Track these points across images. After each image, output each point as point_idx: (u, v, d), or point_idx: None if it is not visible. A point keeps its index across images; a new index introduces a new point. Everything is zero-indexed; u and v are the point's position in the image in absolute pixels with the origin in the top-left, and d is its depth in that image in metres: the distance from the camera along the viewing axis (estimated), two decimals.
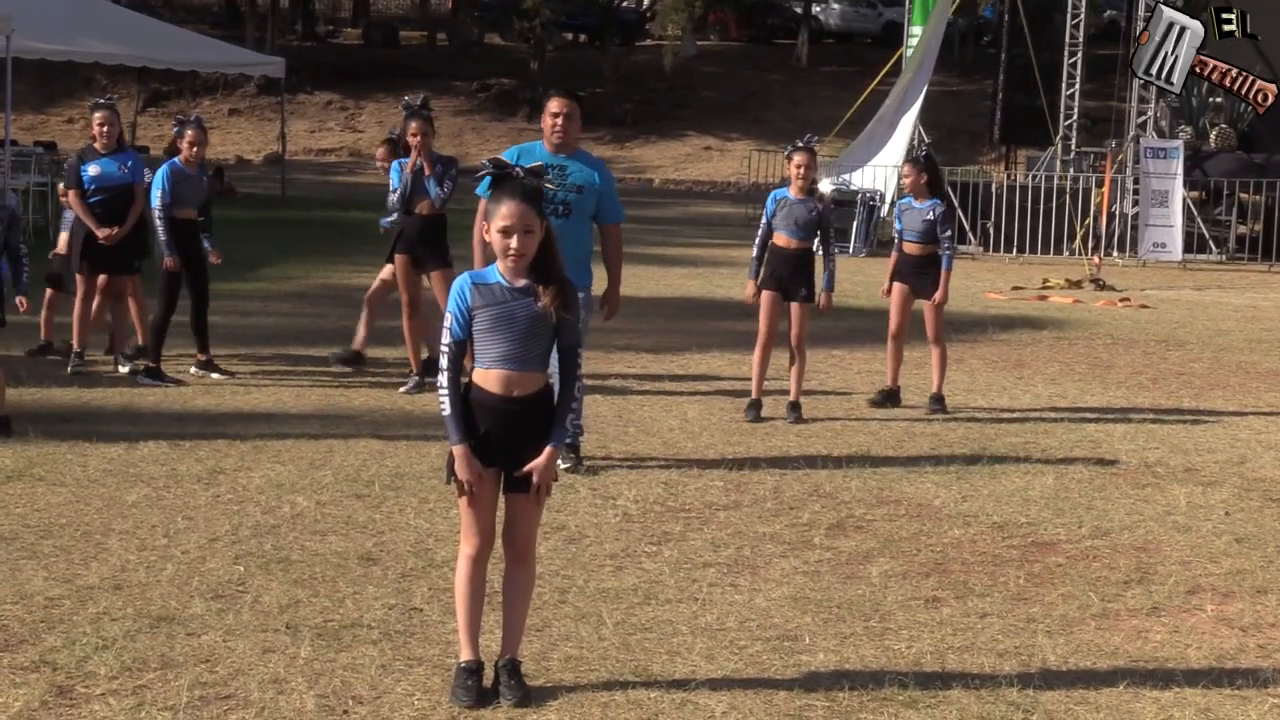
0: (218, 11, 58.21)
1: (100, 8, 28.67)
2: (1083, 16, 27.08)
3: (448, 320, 5.34)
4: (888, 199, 25.19)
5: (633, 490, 8.49)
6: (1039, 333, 15.93)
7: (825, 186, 24.86)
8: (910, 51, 28.70)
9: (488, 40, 53.94)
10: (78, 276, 11.74)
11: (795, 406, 10.76)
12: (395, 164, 11.49)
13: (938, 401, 11.23)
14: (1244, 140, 26.46)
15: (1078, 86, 27.42)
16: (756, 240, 10.86)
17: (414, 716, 5.24)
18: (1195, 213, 25.09)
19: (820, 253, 10.87)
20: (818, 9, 54.97)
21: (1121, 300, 19.24)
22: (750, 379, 10.89)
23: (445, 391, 5.29)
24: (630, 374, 12.40)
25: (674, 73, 48.68)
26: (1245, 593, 6.96)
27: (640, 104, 47.31)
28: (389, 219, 12.08)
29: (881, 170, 26.21)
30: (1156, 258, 24.52)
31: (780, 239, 10.74)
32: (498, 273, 5.32)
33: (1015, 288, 20.40)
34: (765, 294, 10.77)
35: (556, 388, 5.43)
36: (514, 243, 5.23)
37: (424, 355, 11.30)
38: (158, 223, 11.41)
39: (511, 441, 5.32)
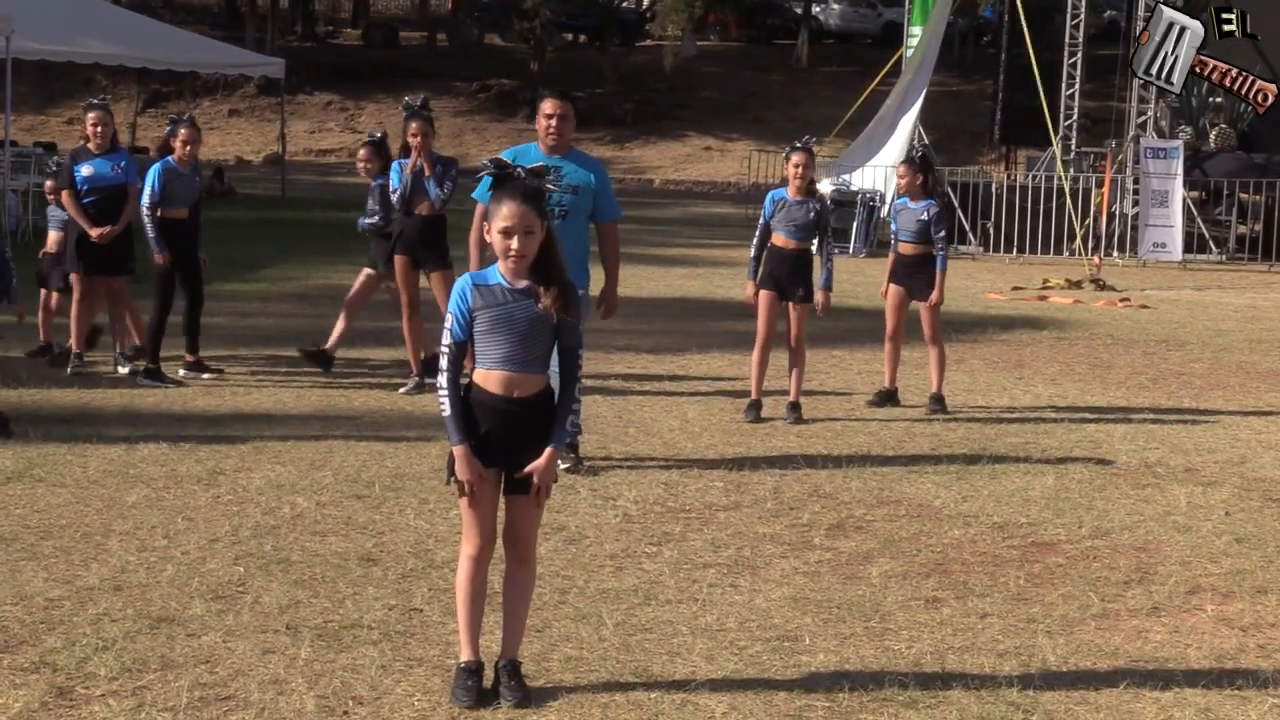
0: (218, 12, 58.21)
1: (100, 8, 28.70)
2: (1083, 17, 27.07)
3: (448, 321, 5.34)
4: (888, 199, 25.19)
5: (633, 491, 8.49)
6: (1039, 333, 15.93)
7: (825, 187, 24.89)
8: (910, 52, 28.70)
9: (488, 41, 53.94)
10: (74, 277, 11.73)
11: (795, 407, 10.76)
12: (395, 164, 11.48)
13: (938, 402, 11.23)
14: (1244, 140, 26.46)
15: (1078, 86, 27.42)
16: (755, 240, 10.86)
17: (414, 717, 5.24)
18: (1195, 213, 25.09)
19: (818, 253, 10.88)
20: (818, 9, 54.97)
21: (1121, 300, 19.24)
22: (750, 379, 10.89)
23: (445, 392, 5.29)
24: (630, 374, 12.40)
25: (674, 73, 48.69)
26: (1245, 593, 6.96)
27: (640, 104, 47.33)
28: (369, 220, 12.09)
29: (881, 170, 26.21)
30: (1156, 258, 24.53)
31: (778, 239, 10.74)
32: (499, 274, 5.32)
33: (1015, 288, 20.41)
34: (763, 294, 10.77)
35: (557, 389, 5.43)
36: (515, 243, 5.23)
37: (422, 355, 11.30)
38: (145, 220, 11.41)
39: (512, 442, 5.32)
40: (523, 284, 5.29)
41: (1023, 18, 26.72)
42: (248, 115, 47.09)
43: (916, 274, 11.30)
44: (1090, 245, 23.80)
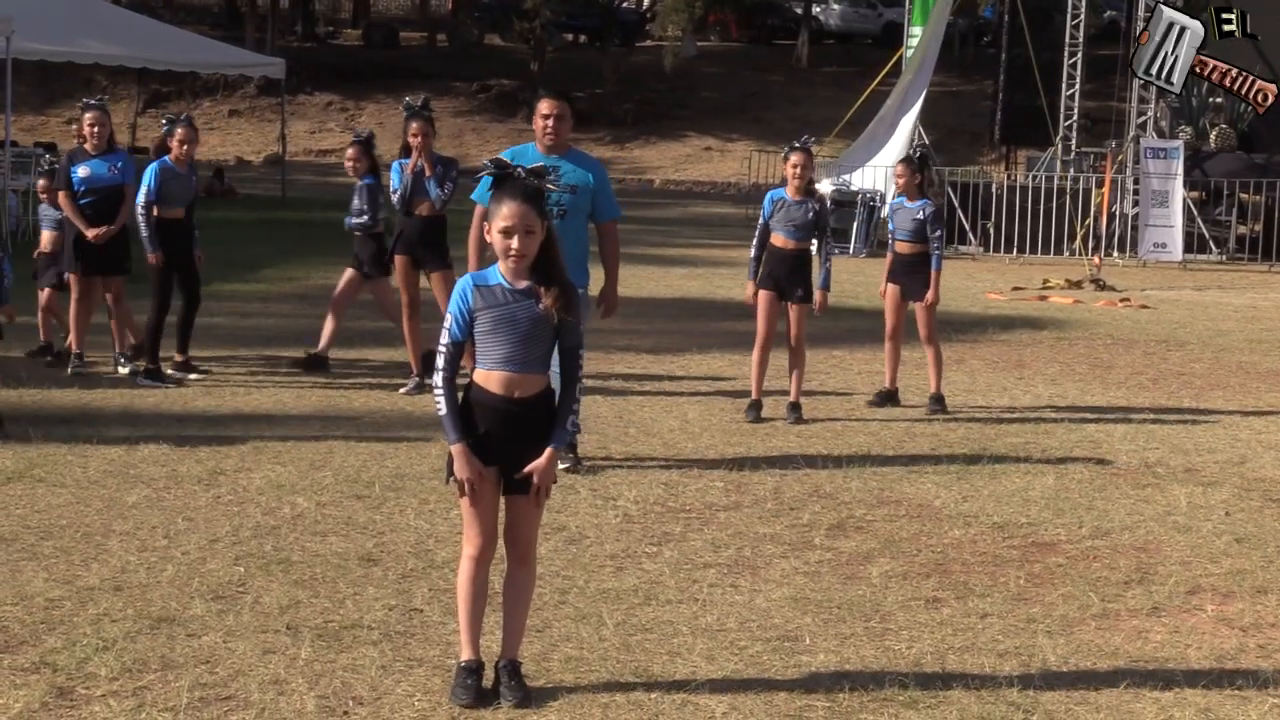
0: (218, 12, 58.20)
1: (100, 8, 28.70)
2: (1083, 17, 27.08)
3: (448, 321, 5.35)
4: (888, 199, 25.18)
5: (633, 491, 8.49)
6: (1039, 333, 15.93)
7: (825, 187, 24.88)
8: (910, 52, 28.71)
9: (488, 41, 53.93)
10: (73, 278, 11.72)
11: (795, 407, 10.76)
12: (395, 164, 11.48)
13: (938, 402, 11.23)
14: (1244, 140, 26.46)
15: (1078, 87, 27.42)
16: (754, 241, 10.87)
17: (414, 717, 5.24)
18: (1195, 213, 25.09)
19: (818, 253, 10.88)
20: (818, 9, 54.96)
21: (1122, 300, 19.24)
22: (750, 380, 10.89)
23: (440, 391, 5.30)
24: (630, 374, 12.40)
25: (674, 73, 48.69)
26: (1245, 593, 6.96)
27: (640, 105, 47.32)
28: (357, 220, 12.07)
29: (882, 170, 26.20)
30: (1156, 258, 24.53)
31: (777, 239, 10.75)
32: (499, 274, 5.32)
33: (1015, 288, 20.40)
34: (762, 294, 10.78)
35: (557, 389, 5.44)
36: (515, 243, 5.23)
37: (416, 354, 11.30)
38: (140, 220, 11.40)
39: (512, 442, 5.32)
40: (523, 284, 5.29)
41: (1023, 18, 26.77)
42: (248, 115, 47.09)
43: (913, 273, 11.30)
44: (1090, 245, 23.80)
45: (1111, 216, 24.41)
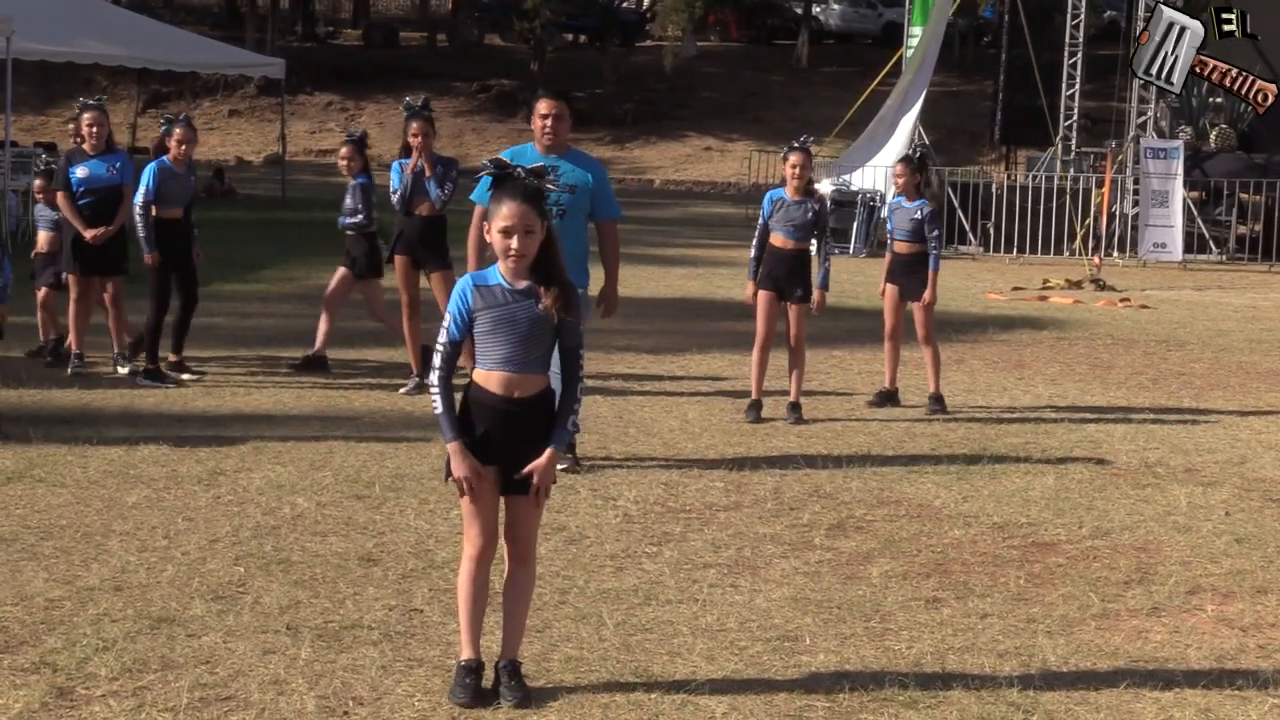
0: (218, 12, 58.21)
1: (100, 8, 28.70)
2: (1083, 17, 27.08)
3: (446, 320, 5.35)
4: (888, 199, 25.18)
5: (633, 491, 8.49)
6: (1039, 333, 15.93)
7: (825, 187, 24.87)
8: (910, 52, 28.71)
9: (488, 41, 53.94)
10: (71, 278, 11.72)
11: (795, 407, 10.76)
12: (395, 164, 11.48)
13: (937, 401, 11.24)
14: (1244, 140, 26.46)
15: (1078, 87, 27.42)
16: (754, 241, 10.87)
17: (414, 718, 5.24)
18: (1195, 213, 25.09)
19: (817, 253, 10.89)
20: (818, 10, 54.97)
21: (1122, 300, 19.24)
22: (750, 380, 10.89)
23: (436, 390, 5.32)
24: (630, 374, 12.40)
25: (674, 73, 48.69)
26: (1245, 593, 6.96)
27: (640, 105, 47.32)
28: (352, 219, 12.05)
29: (882, 170, 26.18)
30: (1156, 258, 24.53)
31: (777, 239, 10.75)
32: (499, 274, 5.32)
33: (1015, 288, 20.41)
34: (762, 294, 10.78)
35: (557, 389, 5.44)
36: (514, 243, 5.23)
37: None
38: (137, 219, 11.39)
39: (512, 443, 5.32)
40: (523, 284, 5.29)
41: (1023, 18, 26.77)
42: (248, 116, 47.10)
43: (911, 273, 11.31)
44: (1090, 245, 23.80)
45: (1111, 216, 24.41)
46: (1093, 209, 24.59)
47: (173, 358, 11.72)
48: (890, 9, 50.87)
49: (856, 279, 19.31)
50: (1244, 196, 25.72)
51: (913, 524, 7.99)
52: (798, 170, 10.68)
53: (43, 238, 12.55)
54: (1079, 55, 27.19)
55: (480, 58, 50.79)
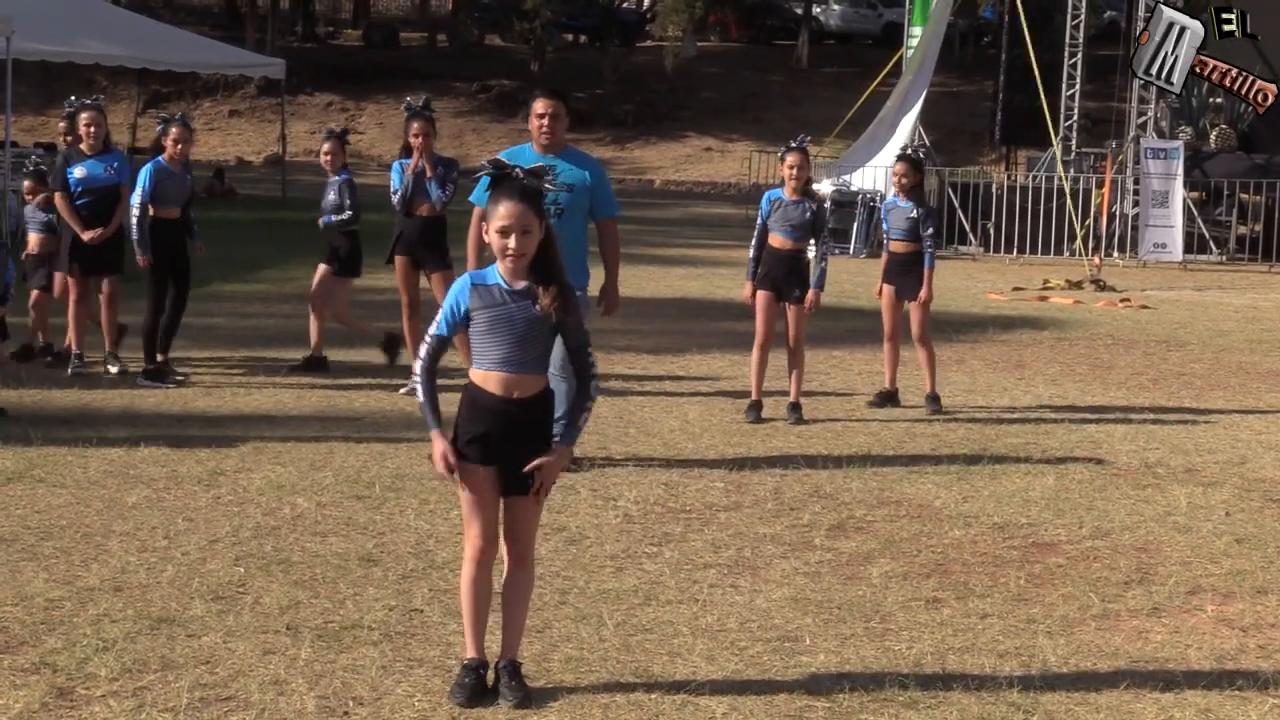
0: (218, 13, 58.20)
1: (100, 8, 28.71)
2: (1083, 17, 27.07)
3: (439, 315, 5.38)
4: (888, 199, 25.18)
5: (633, 491, 8.49)
6: (1040, 333, 15.93)
7: (826, 187, 24.88)
8: (910, 52, 28.70)
9: (488, 41, 53.94)
10: (69, 279, 11.71)
11: (795, 407, 10.76)
12: (396, 164, 11.48)
13: (933, 401, 11.24)
14: (1244, 140, 26.47)
15: (1078, 87, 27.41)
16: (753, 241, 10.87)
17: (414, 718, 5.24)
18: (1195, 213, 25.10)
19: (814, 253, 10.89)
20: (818, 10, 54.97)
21: (1122, 301, 19.24)
22: (750, 380, 10.89)
23: (419, 380, 5.37)
24: (631, 375, 12.40)
25: (674, 74, 48.69)
26: (1246, 593, 6.96)
27: (640, 105, 47.33)
28: (338, 216, 12.03)
29: (882, 171, 26.18)
30: (1157, 258, 24.53)
31: (775, 240, 10.74)
32: (497, 274, 5.33)
33: (1016, 288, 20.41)
34: (760, 294, 10.78)
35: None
36: (512, 243, 5.23)
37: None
38: (133, 220, 11.37)
39: (511, 443, 5.32)
40: (521, 284, 5.30)
41: (1023, 18, 26.72)
42: (248, 116, 47.10)
43: (908, 273, 11.31)
44: (1090, 246, 23.80)
45: (1111, 217, 24.41)
46: (1093, 209, 24.60)
47: (159, 357, 11.68)
48: (890, 9, 50.87)
49: (856, 279, 19.31)
50: (1244, 197, 25.73)
51: (913, 524, 7.99)
52: (795, 170, 10.68)
53: (33, 239, 12.51)
54: (1079, 55, 27.18)
55: (480, 58, 50.79)
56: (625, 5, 56.68)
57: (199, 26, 48.62)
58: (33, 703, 5.23)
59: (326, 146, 12.35)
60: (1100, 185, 24.39)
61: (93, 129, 11.60)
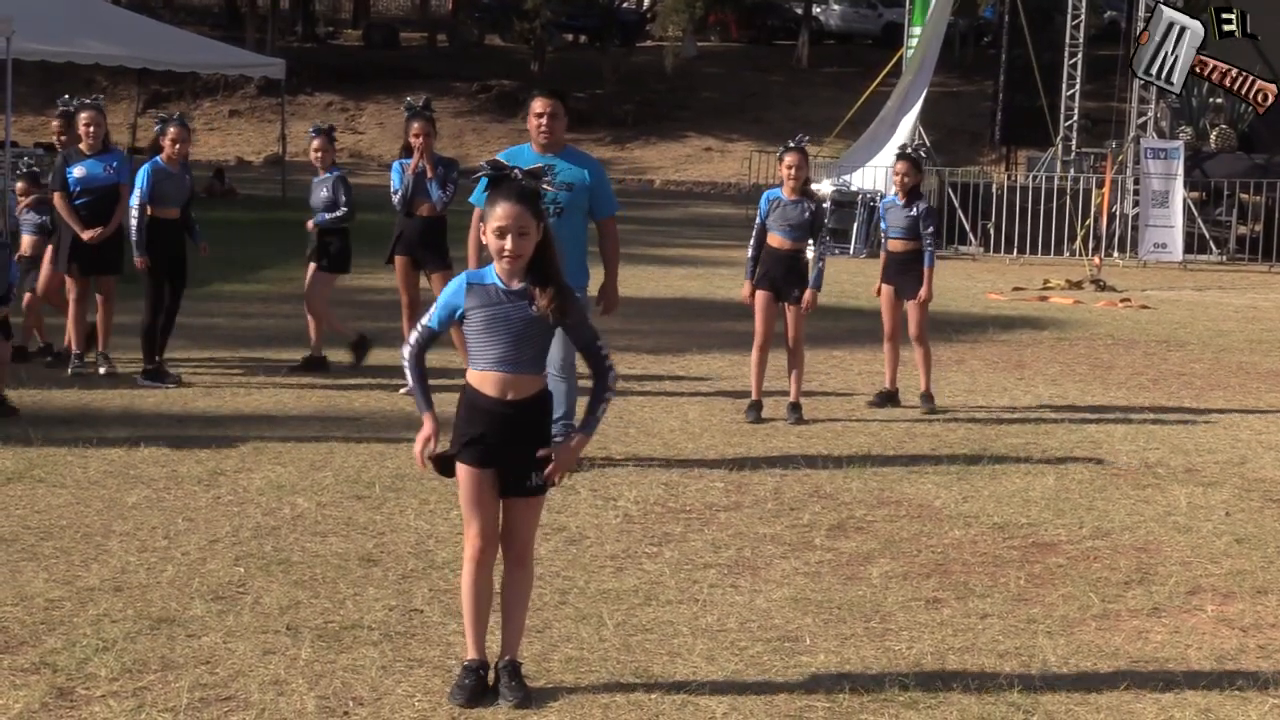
0: (218, 13, 58.21)
1: (100, 8, 28.71)
2: (1083, 17, 27.08)
3: (433, 307, 5.41)
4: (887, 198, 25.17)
5: (633, 491, 8.49)
6: (1040, 333, 15.93)
7: (826, 187, 24.88)
8: (910, 52, 28.70)
9: (488, 41, 53.94)
10: (69, 279, 11.71)
11: (795, 407, 10.75)
12: (396, 164, 11.48)
13: (927, 399, 11.24)
14: (1244, 141, 26.47)
15: (1078, 87, 27.42)
16: (752, 241, 10.87)
17: (414, 718, 5.24)
18: (1195, 213, 25.10)
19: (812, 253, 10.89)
20: (818, 10, 54.97)
21: (1122, 301, 19.24)
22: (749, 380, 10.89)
23: (407, 365, 5.43)
24: (631, 375, 12.38)
25: (674, 74, 48.69)
26: (1246, 593, 6.96)
27: (641, 105, 47.32)
28: (333, 214, 12.01)
29: (882, 171, 26.18)
30: (1157, 258, 24.53)
31: (774, 239, 10.74)
32: (495, 274, 5.33)
33: (1016, 288, 20.40)
34: (759, 294, 10.77)
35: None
36: (508, 244, 5.23)
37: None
38: (132, 220, 11.36)
39: (509, 445, 5.32)
40: (518, 285, 5.30)
41: (1023, 18, 26.75)
42: (248, 116, 47.09)
43: (906, 272, 11.30)
44: (1090, 246, 23.80)
45: (1112, 217, 24.41)
46: (1093, 209, 24.60)
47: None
48: (890, 9, 50.87)
49: (856, 279, 19.30)
50: (1244, 197, 25.73)
51: (913, 524, 7.99)
52: (793, 170, 10.68)
53: (26, 241, 12.49)
54: (1079, 55, 27.19)
55: (480, 58, 50.79)
56: (625, 5, 56.68)
57: (199, 26, 48.63)
58: (33, 703, 5.23)
59: (316, 143, 12.30)
60: (1100, 185, 24.38)
61: (92, 129, 11.58)
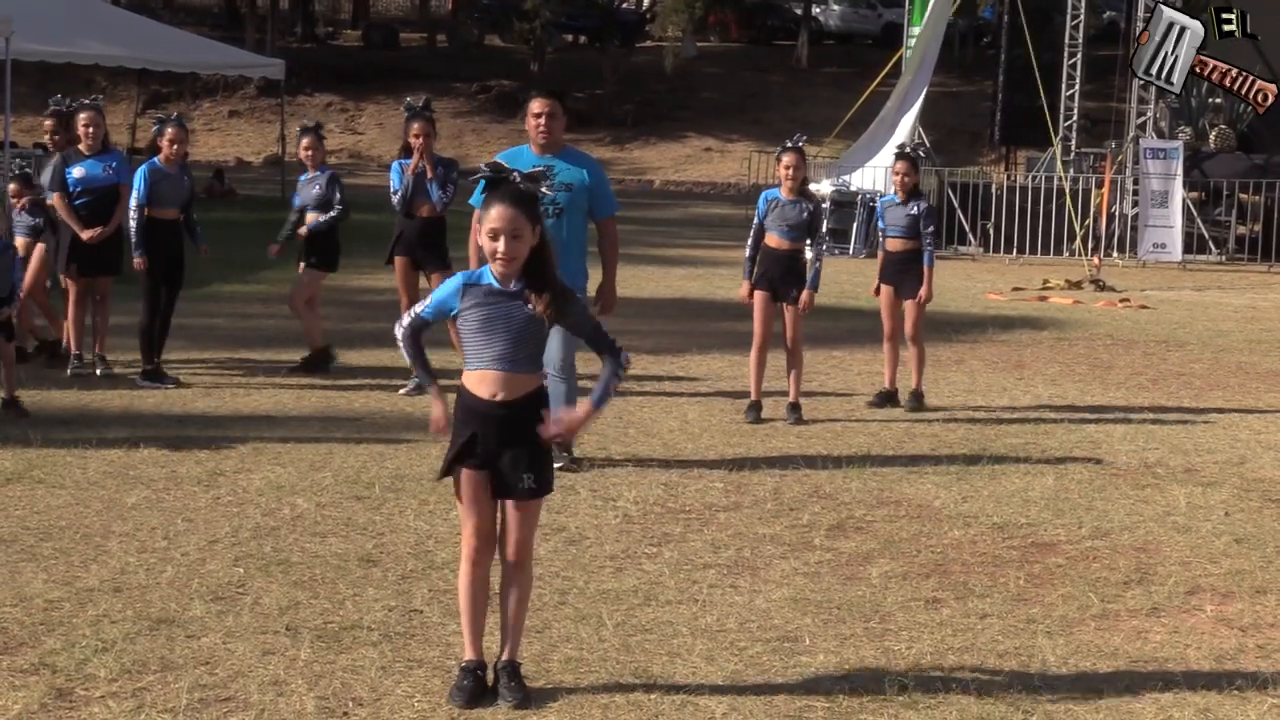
0: (217, 13, 58.21)
1: (100, 9, 28.73)
2: (1082, 17, 27.08)
3: (429, 300, 5.44)
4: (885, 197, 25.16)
5: (633, 491, 8.49)
6: (1039, 333, 15.93)
7: (825, 187, 24.88)
8: (910, 52, 28.70)
9: (488, 42, 53.94)
10: (68, 279, 11.70)
11: (795, 408, 10.75)
12: (395, 164, 11.48)
13: (917, 398, 11.24)
14: (1244, 141, 26.47)
15: (1077, 87, 27.42)
16: (750, 241, 10.87)
17: (414, 718, 5.24)
18: (1195, 213, 25.10)
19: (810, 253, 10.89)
20: (818, 10, 54.97)
21: (1121, 301, 19.24)
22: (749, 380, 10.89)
23: (402, 345, 5.50)
24: (631, 375, 12.36)
25: (674, 74, 48.68)
26: (1245, 593, 6.96)
27: (640, 105, 47.32)
28: (328, 215, 11.98)
29: (882, 171, 26.18)
30: (1156, 258, 24.53)
31: (772, 240, 10.74)
32: (490, 274, 5.33)
33: (1015, 288, 20.40)
34: (758, 294, 10.77)
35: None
36: (501, 246, 5.23)
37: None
38: (130, 222, 11.35)
39: (505, 446, 5.32)
40: (513, 285, 5.30)
41: (1023, 18, 26.73)
42: (247, 116, 47.09)
43: (905, 271, 11.29)
44: (1090, 246, 23.80)
45: (1111, 217, 24.41)
46: (1092, 209, 24.59)
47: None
48: (890, 9, 50.87)
49: (856, 279, 19.29)
50: (1244, 197, 25.73)
51: (912, 524, 7.99)
52: (791, 170, 10.68)
53: (21, 243, 12.46)
54: (1079, 55, 27.18)
55: (480, 58, 50.79)
56: (625, 5, 56.68)
57: (199, 27, 48.62)
58: (32, 703, 5.23)
59: (305, 141, 12.26)
60: (1100, 185, 24.38)
61: (91, 129, 11.58)
